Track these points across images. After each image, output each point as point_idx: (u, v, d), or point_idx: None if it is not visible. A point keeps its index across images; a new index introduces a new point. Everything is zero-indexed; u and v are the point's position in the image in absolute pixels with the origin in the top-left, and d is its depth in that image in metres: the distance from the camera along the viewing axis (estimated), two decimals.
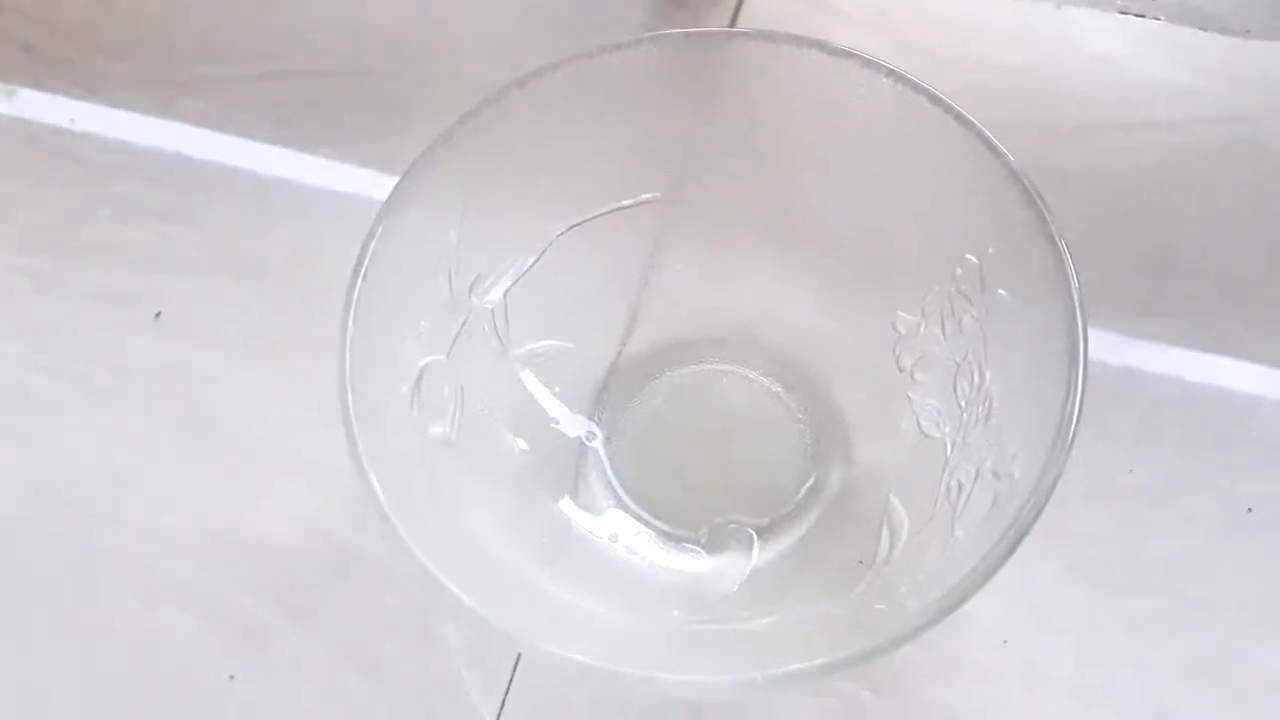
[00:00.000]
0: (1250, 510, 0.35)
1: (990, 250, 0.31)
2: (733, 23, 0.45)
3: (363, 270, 0.29)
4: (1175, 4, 0.43)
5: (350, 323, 0.29)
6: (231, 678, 0.34)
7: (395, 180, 0.31)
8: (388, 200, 0.30)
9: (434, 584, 0.26)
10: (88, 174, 0.43)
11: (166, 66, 0.45)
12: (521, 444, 0.34)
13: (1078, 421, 0.27)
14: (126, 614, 0.35)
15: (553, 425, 0.35)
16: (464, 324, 0.33)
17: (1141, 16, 0.44)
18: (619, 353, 0.37)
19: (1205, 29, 0.43)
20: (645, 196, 0.35)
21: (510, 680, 0.34)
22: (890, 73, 0.31)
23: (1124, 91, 0.43)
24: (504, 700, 0.33)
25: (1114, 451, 0.36)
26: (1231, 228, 0.40)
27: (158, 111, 0.44)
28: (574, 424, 0.35)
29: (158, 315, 0.40)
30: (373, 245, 0.30)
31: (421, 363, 0.31)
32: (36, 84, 0.45)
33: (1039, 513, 0.26)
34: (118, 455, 0.38)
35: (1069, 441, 0.26)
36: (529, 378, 0.35)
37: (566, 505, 0.34)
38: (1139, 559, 0.35)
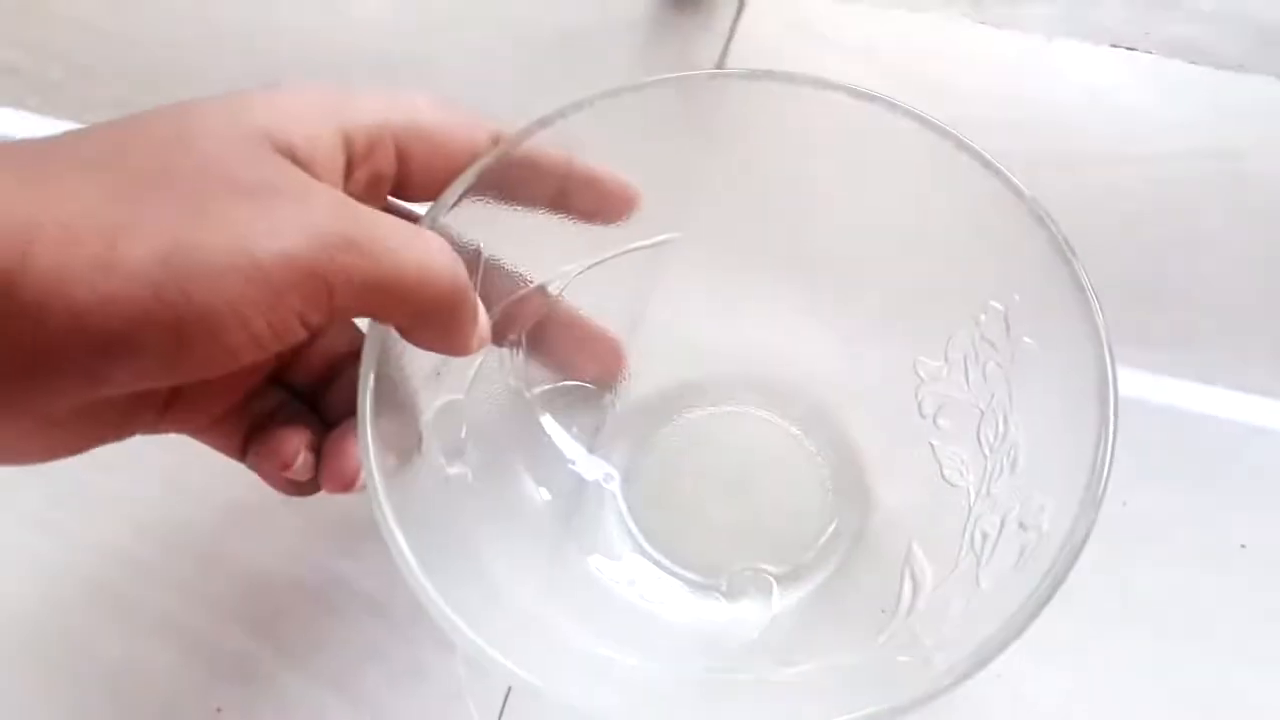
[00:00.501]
0: (1243, 546, 0.35)
1: (1016, 297, 0.31)
2: (725, 51, 0.45)
3: None
4: (1167, 37, 0.43)
5: (371, 365, 0.28)
6: (219, 710, 0.34)
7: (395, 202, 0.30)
8: None
9: (455, 632, 0.25)
10: None
11: (149, 89, 0.45)
12: (544, 493, 0.33)
13: (1109, 474, 0.26)
14: (110, 645, 0.35)
15: (569, 467, 0.34)
16: (482, 363, 0.32)
17: (1133, 50, 0.44)
18: (635, 394, 0.36)
19: (1196, 62, 0.43)
20: (664, 236, 0.35)
21: (500, 715, 0.33)
22: (915, 116, 0.31)
23: (1113, 124, 0.43)
24: None
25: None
26: (1220, 258, 0.40)
27: None
28: (591, 466, 0.35)
29: None
30: None
31: (439, 402, 0.31)
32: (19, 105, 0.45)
33: (1071, 565, 0.26)
34: (98, 480, 0.37)
35: (1100, 494, 0.26)
36: (546, 419, 0.34)
37: (583, 549, 0.33)
38: (1131, 592, 0.35)
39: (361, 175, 0.28)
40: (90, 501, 0.37)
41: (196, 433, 0.30)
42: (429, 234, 0.26)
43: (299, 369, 0.32)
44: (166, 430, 0.29)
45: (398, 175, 0.29)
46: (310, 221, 0.23)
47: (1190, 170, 0.42)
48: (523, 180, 0.31)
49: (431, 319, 0.26)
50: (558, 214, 0.32)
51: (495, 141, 0.30)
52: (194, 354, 0.23)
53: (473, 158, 0.30)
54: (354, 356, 0.30)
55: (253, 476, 0.31)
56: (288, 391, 0.31)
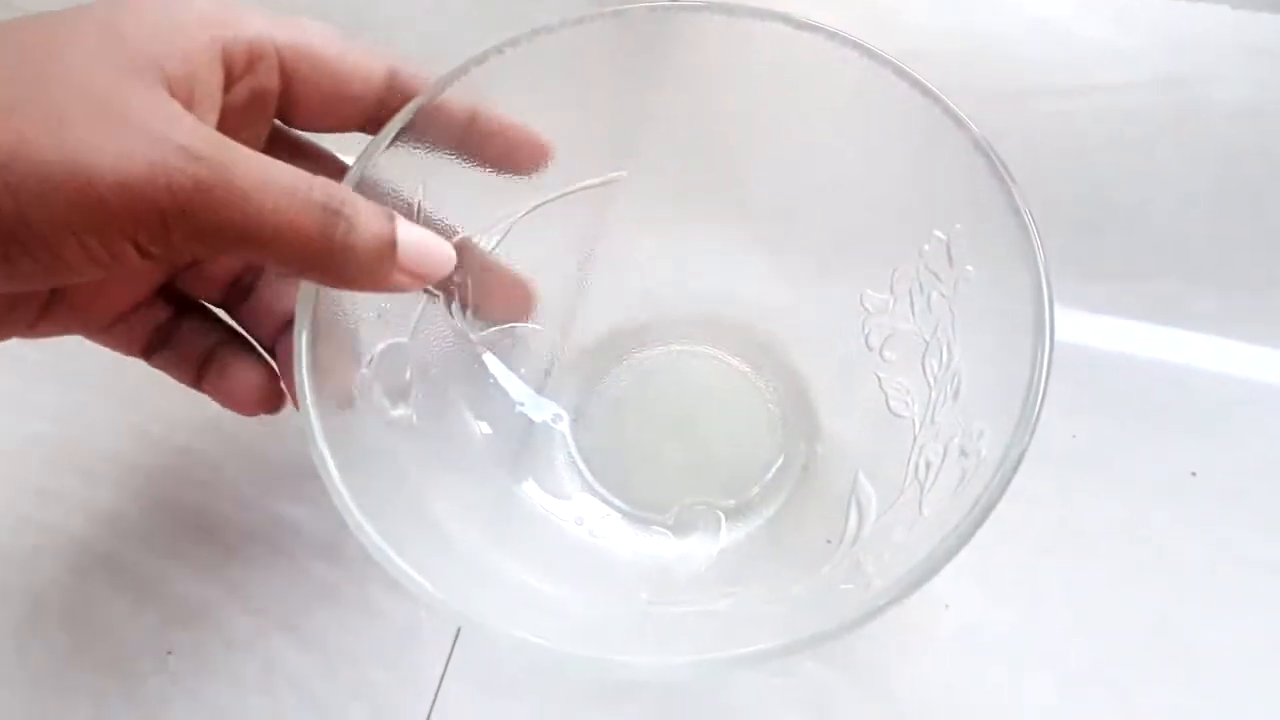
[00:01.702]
0: (1194, 474, 0.35)
1: (958, 226, 0.31)
2: None
3: None
4: None
5: (310, 306, 0.28)
6: (169, 653, 0.34)
7: (339, 150, 0.30)
8: (343, 183, 0.30)
9: (394, 569, 0.25)
10: None
11: None
12: (484, 427, 0.33)
13: (1043, 398, 0.27)
14: (59, 590, 0.35)
15: (518, 409, 0.34)
16: (425, 304, 0.32)
17: None
18: (584, 334, 0.36)
19: None
20: (612, 175, 0.35)
21: (450, 653, 0.34)
22: (856, 46, 0.31)
23: (1063, 55, 0.43)
24: (443, 674, 0.33)
25: (1056, 416, 0.35)
26: (1170, 192, 0.40)
27: None
28: (539, 407, 0.35)
29: None
30: None
31: (383, 344, 0.31)
32: None
33: (1004, 489, 0.26)
34: (49, 429, 0.37)
35: (1034, 418, 0.26)
36: (492, 360, 0.34)
37: (530, 489, 0.33)
38: (1080, 524, 0.35)
39: (242, 89, 0.28)
40: (40, 448, 0.37)
41: (91, 335, 0.31)
42: (299, 179, 0.25)
43: (199, 282, 0.32)
44: (47, 333, 0.29)
45: (283, 96, 0.29)
46: (159, 156, 0.23)
47: (1142, 101, 0.42)
48: (441, 125, 0.30)
49: (304, 266, 0.26)
50: (467, 162, 0.32)
51: (391, 76, 0.30)
52: (23, 261, 0.23)
53: (366, 88, 0.29)
54: (260, 271, 0.30)
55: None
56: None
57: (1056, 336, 0.27)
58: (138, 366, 0.32)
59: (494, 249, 0.34)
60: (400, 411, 0.31)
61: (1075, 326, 0.37)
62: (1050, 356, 0.27)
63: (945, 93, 0.30)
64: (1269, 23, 0.42)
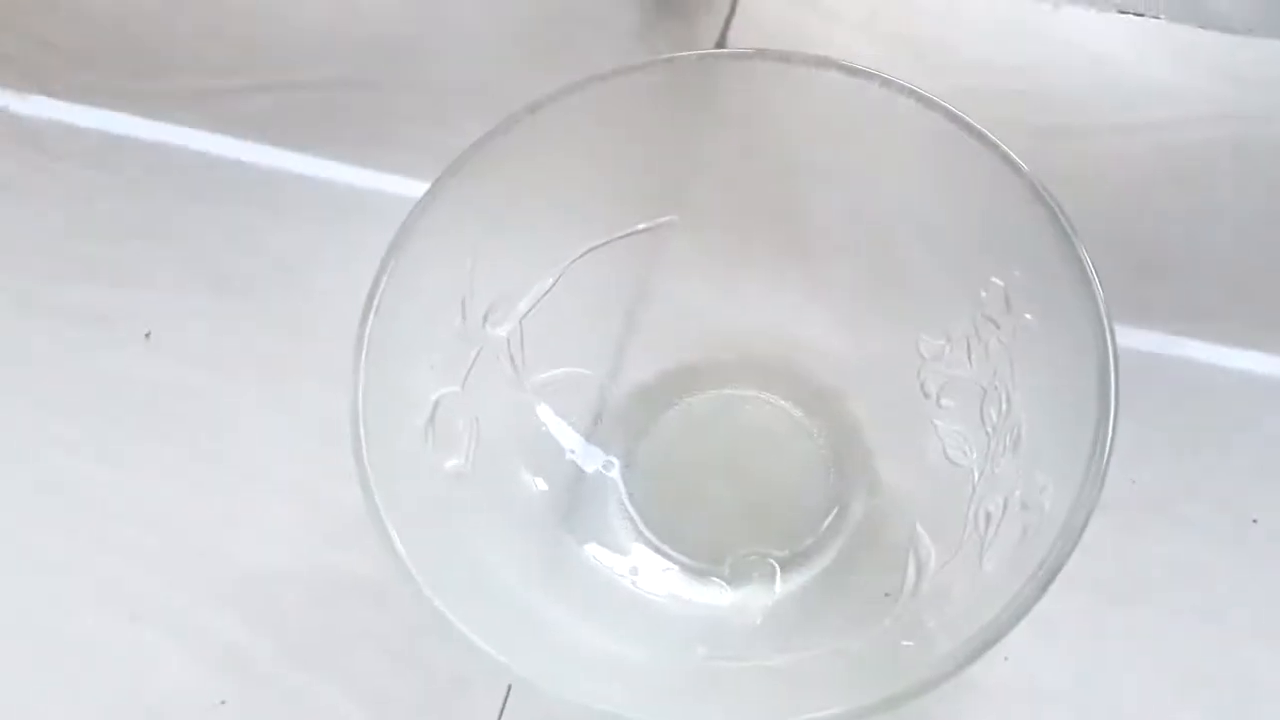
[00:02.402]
0: (1255, 521, 0.35)
1: (1016, 273, 0.30)
2: (726, 28, 0.44)
3: (374, 304, 0.29)
4: (1176, 2, 0.42)
5: (363, 360, 0.28)
6: (222, 703, 0.34)
7: (386, 187, 0.30)
8: (399, 233, 0.30)
9: (452, 631, 0.25)
10: (69, 190, 0.42)
11: (148, 76, 0.45)
12: (540, 483, 0.33)
13: (1110, 452, 0.26)
14: (112, 638, 0.35)
15: (568, 456, 0.34)
16: (478, 354, 0.32)
17: (1140, 15, 0.43)
18: (634, 379, 0.36)
19: (1206, 27, 0.42)
20: (664, 219, 0.35)
21: (502, 709, 0.33)
22: (911, 92, 0.30)
23: (1121, 92, 0.42)
24: None
25: (1115, 460, 0.35)
26: (1230, 228, 0.39)
27: (146, 119, 0.44)
28: (590, 454, 0.35)
29: (148, 335, 0.39)
30: (384, 280, 0.29)
31: (435, 395, 0.31)
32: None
33: (1073, 548, 0.25)
34: (103, 473, 0.37)
35: (1102, 474, 0.26)
36: (545, 410, 0.34)
37: (584, 540, 0.33)
38: (1140, 569, 0.34)
39: None
40: (90, 495, 0.37)
41: None
42: None
43: None
44: None
45: None
46: None
47: (1199, 138, 0.41)
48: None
49: None
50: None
51: None
52: None
53: None
54: None
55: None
56: None
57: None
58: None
59: (547, 294, 0.34)
60: (453, 463, 0.31)
61: (1133, 368, 0.36)
62: (1117, 413, 0.26)
63: (1001, 130, 0.29)
64: None
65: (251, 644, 0.34)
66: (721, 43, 0.44)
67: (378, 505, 0.26)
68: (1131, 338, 0.37)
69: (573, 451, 0.34)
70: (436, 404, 0.31)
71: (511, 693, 0.33)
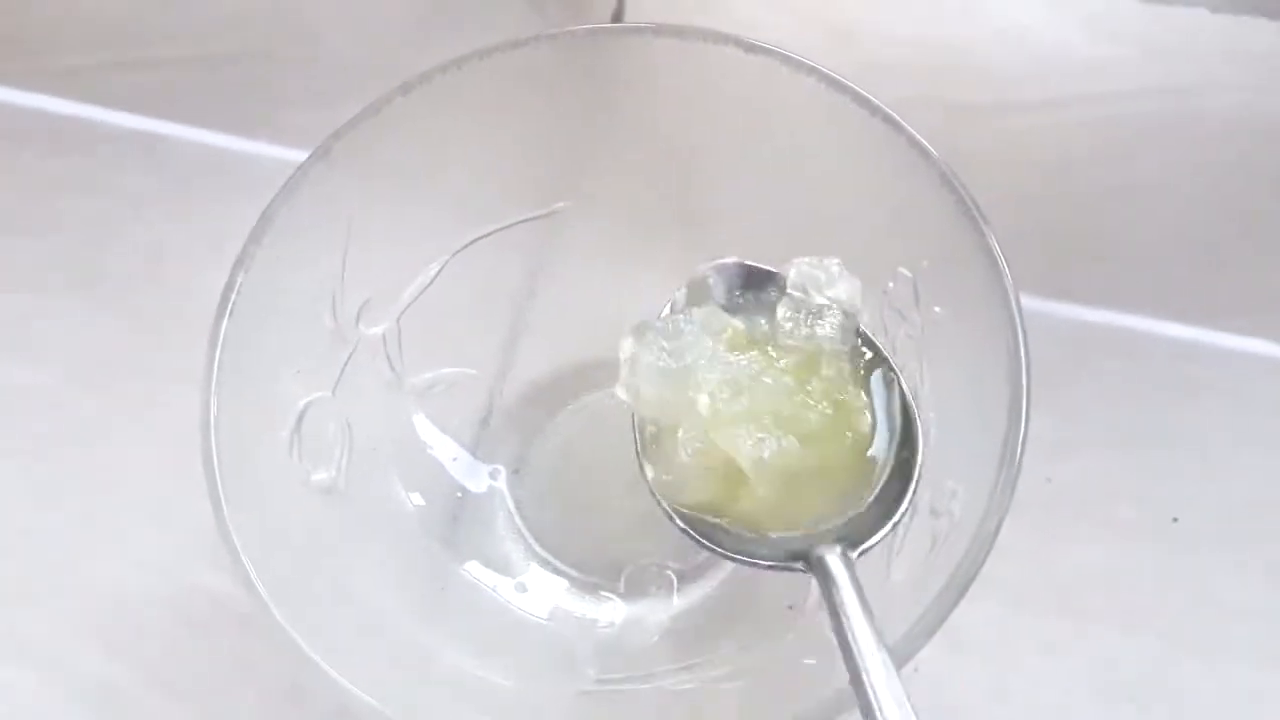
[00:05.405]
0: (1176, 520, 0.34)
1: (924, 264, 0.29)
2: (622, 3, 0.42)
3: (229, 306, 0.26)
4: None
5: (216, 364, 0.26)
6: None
7: (265, 165, 0.28)
8: (258, 223, 0.28)
9: (310, 664, 0.23)
10: None
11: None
12: (417, 497, 0.31)
13: (1022, 455, 0.25)
14: None
15: (451, 465, 0.32)
16: (351, 355, 0.30)
17: None
18: (524, 379, 0.34)
19: None
20: (555, 206, 0.33)
21: None
22: (813, 70, 0.29)
23: (1036, 65, 0.41)
24: None
25: (1029, 458, 0.34)
26: (1155, 206, 0.38)
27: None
28: (475, 464, 0.32)
29: None
30: (240, 276, 0.26)
31: (302, 402, 0.28)
32: None
33: (985, 558, 0.24)
34: None
35: (1014, 478, 0.24)
36: (422, 421, 0.32)
37: (465, 558, 0.31)
38: (1057, 575, 0.33)
39: None
40: None
41: None
42: None
43: None
44: None
45: None
46: None
47: (1119, 112, 0.40)
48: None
49: None
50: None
51: None
52: None
53: None
54: None
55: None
56: None
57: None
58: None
59: (426, 288, 0.31)
60: (323, 475, 0.28)
61: (1050, 360, 0.35)
62: (1028, 415, 0.25)
63: (917, 108, 0.28)
64: (1249, 26, 0.41)
65: (114, 675, 0.32)
66: (619, 17, 0.42)
67: (229, 528, 0.24)
68: (1050, 323, 0.36)
69: (455, 459, 0.32)
70: (303, 411, 0.29)
71: None
